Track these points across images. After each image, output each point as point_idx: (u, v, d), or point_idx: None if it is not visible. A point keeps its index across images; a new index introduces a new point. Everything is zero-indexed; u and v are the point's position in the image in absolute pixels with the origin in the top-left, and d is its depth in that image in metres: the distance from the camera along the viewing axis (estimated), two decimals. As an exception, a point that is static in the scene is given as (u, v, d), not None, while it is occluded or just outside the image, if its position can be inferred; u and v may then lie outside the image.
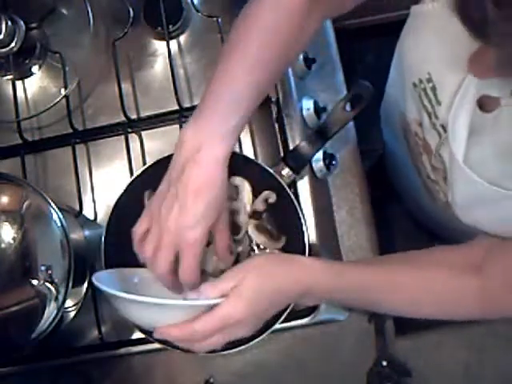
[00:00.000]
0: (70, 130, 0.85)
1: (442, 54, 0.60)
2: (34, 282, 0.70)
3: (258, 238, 0.76)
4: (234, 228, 0.76)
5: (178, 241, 0.60)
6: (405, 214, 1.13)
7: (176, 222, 0.60)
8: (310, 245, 0.73)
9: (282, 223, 0.77)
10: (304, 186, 0.77)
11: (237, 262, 0.77)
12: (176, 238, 0.60)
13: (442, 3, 0.58)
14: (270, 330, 0.70)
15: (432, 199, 0.79)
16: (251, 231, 0.76)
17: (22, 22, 0.88)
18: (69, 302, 0.79)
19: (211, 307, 0.57)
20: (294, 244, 0.74)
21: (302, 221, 0.72)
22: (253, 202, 0.78)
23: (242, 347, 0.70)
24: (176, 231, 0.60)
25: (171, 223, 0.60)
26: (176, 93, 0.82)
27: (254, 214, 0.77)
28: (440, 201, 0.75)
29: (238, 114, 0.61)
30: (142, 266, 0.80)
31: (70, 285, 0.70)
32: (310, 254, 0.72)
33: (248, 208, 0.78)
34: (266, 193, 0.76)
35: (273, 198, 0.75)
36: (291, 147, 0.76)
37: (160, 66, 0.89)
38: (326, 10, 0.65)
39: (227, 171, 0.63)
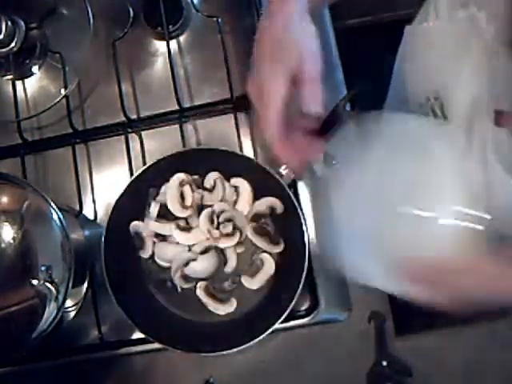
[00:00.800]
0: (70, 130, 0.85)
1: (449, 69, 0.59)
2: (34, 281, 0.70)
3: (257, 240, 0.77)
4: (232, 229, 0.77)
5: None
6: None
7: None
8: (310, 245, 0.73)
9: (282, 223, 0.77)
10: (304, 186, 0.77)
11: (237, 263, 0.78)
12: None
13: (446, 20, 0.58)
14: (270, 330, 0.70)
15: None
16: (250, 234, 0.77)
17: (22, 22, 0.88)
18: (69, 302, 0.79)
19: None
20: (294, 244, 0.74)
21: (302, 221, 0.72)
22: (253, 202, 0.78)
23: (242, 347, 0.70)
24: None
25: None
26: (176, 93, 0.82)
27: (254, 217, 0.77)
28: None
29: None
30: (142, 268, 0.81)
31: (70, 285, 0.70)
32: (309, 254, 0.72)
33: (248, 208, 0.78)
34: (273, 200, 0.76)
35: (280, 209, 0.76)
36: (291, 147, 0.76)
37: (160, 65, 0.89)
38: None
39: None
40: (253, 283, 0.76)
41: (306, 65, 0.57)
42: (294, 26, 0.59)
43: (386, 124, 0.57)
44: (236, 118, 0.82)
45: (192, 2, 0.88)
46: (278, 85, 0.57)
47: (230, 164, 0.77)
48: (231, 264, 0.77)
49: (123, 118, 0.84)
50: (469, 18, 0.60)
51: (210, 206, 0.77)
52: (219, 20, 0.84)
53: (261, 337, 0.70)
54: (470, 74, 0.55)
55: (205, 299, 0.76)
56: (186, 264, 0.76)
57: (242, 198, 0.78)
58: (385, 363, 0.77)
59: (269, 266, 0.76)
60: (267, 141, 0.59)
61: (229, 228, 0.76)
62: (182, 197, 0.76)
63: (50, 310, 0.70)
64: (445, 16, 0.62)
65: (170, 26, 0.86)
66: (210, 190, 0.78)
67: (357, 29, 1.24)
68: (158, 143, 0.85)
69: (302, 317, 0.76)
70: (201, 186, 0.79)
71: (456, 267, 0.52)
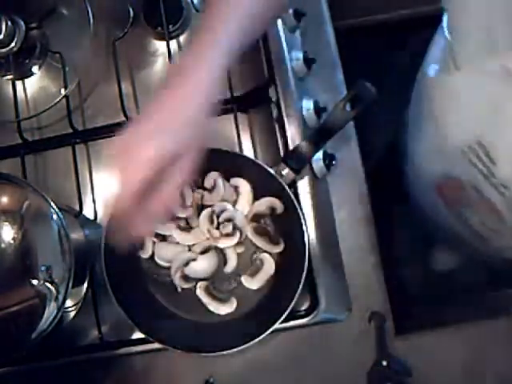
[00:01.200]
0: (70, 130, 0.85)
1: (487, 119, 0.57)
2: (34, 281, 0.70)
3: (257, 240, 0.77)
4: (232, 229, 0.77)
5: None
6: (406, 214, 1.13)
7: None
8: (310, 245, 0.73)
9: (282, 223, 0.77)
10: (304, 186, 0.77)
11: (237, 263, 0.78)
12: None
13: (474, 71, 0.55)
14: (270, 330, 0.70)
15: (479, 240, 0.78)
16: (250, 234, 0.77)
17: (22, 22, 0.88)
18: (69, 302, 0.79)
19: None
20: (294, 244, 0.74)
21: (302, 221, 0.72)
22: (253, 202, 0.78)
23: (242, 347, 0.70)
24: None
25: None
26: (176, 93, 0.82)
27: (254, 217, 0.77)
28: (492, 242, 0.74)
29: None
30: (142, 268, 0.81)
31: (70, 285, 0.70)
32: (309, 254, 0.72)
33: (248, 208, 0.78)
34: (273, 200, 0.76)
35: (280, 209, 0.76)
36: (291, 147, 0.76)
37: (160, 66, 0.89)
38: None
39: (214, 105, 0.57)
40: (253, 283, 0.76)
41: (187, 160, 0.56)
42: (195, 103, 0.56)
43: None
44: (236, 118, 0.82)
45: (192, 2, 0.88)
46: (156, 154, 0.53)
47: (229, 164, 0.77)
48: (231, 264, 0.77)
49: (123, 118, 0.84)
50: (502, 70, 0.53)
51: (210, 205, 0.77)
52: (219, 20, 0.84)
53: (261, 337, 0.70)
54: None
55: (205, 299, 0.76)
56: (186, 264, 0.76)
57: (242, 197, 0.78)
58: (385, 363, 0.77)
59: (269, 266, 0.76)
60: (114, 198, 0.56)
61: (229, 228, 0.76)
62: (182, 197, 0.76)
63: (50, 310, 0.70)
64: (469, 67, 0.57)
65: (170, 26, 0.86)
66: (210, 190, 0.78)
67: (357, 29, 1.24)
68: (158, 143, 0.85)
69: (302, 317, 0.76)
70: (201, 186, 0.79)
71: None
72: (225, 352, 0.71)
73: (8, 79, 0.90)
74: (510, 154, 0.58)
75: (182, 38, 0.89)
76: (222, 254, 0.78)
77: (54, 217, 0.72)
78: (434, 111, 0.66)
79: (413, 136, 0.84)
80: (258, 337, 0.70)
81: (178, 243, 0.77)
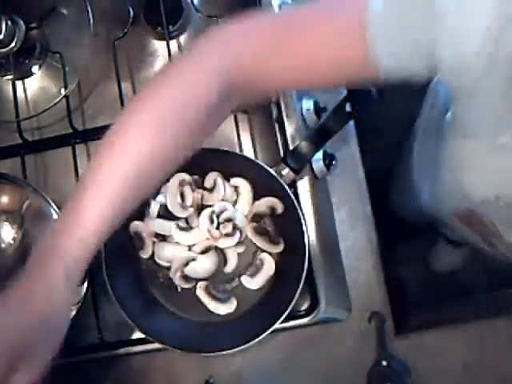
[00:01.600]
0: (70, 130, 0.85)
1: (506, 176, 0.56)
2: (34, 282, 0.69)
3: (257, 240, 0.77)
4: (232, 229, 0.77)
5: None
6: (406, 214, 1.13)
7: None
8: (309, 245, 0.73)
9: (282, 223, 0.77)
10: (304, 186, 0.77)
11: (237, 263, 0.78)
12: None
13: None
14: (270, 330, 0.70)
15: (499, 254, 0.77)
16: (250, 234, 0.77)
17: (22, 22, 0.88)
18: (69, 302, 0.79)
19: None
20: (294, 244, 0.74)
21: (302, 221, 0.72)
22: (253, 202, 0.78)
23: (242, 347, 0.70)
24: None
25: None
26: (176, 93, 0.82)
27: (254, 217, 0.77)
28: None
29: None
30: (142, 268, 0.81)
31: (70, 285, 0.70)
32: (309, 254, 0.72)
33: (248, 208, 0.78)
34: (273, 200, 0.76)
35: (280, 209, 0.76)
36: (291, 147, 0.76)
37: (160, 66, 0.89)
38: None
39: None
40: (253, 283, 0.76)
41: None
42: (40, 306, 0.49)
43: None
44: (236, 118, 0.82)
45: (192, 2, 0.88)
46: None
47: (229, 164, 0.77)
48: (231, 264, 0.77)
49: (123, 118, 0.84)
50: None
51: (210, 205, 0.77)
52: (219, 20, 0.84)
53: (261, 337, 0.70)
54: None
55: (205, 299, 0.76)
56: (186, 264, 0.76)
57: (242, 198, 0.78)
58: (385, 363, 0.77)
59: (269, 266, 0.76)
60: None
61: (229, 228, 0.76)
62: (182, 197, 0.76)
63: (50, 310, 0.70)
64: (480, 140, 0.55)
65: (170, 26, 0.86)
66: (210, 190, 0.78)
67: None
68: (158, 143, 0.85)
69: (302, 317, 0.76)
70: (201, 186, 0.79)
71: None
72: (225, 352, 0.71)
73: (8, 79, 0.90)
74: None
75: (182, 38, 0.89)
76: (222, 253, 0.78)
77: (54, 217, 0.72)
78: (449, 162, 0.65)
79: (421, 174, 0.82)
80: (258, 337, 0.70)
81: (177, 243, 0.77)
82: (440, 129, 0.67)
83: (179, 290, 0.78)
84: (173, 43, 0.88)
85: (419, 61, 0.47)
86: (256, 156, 0.82)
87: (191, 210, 0.76)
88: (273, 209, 0.76)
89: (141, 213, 0.78)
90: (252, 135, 0.83)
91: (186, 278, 0.77)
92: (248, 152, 0.82)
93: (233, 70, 0.54)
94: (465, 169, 0.61)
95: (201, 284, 0.77)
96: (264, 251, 0.77)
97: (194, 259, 0.76)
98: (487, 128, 0.51)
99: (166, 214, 0.77)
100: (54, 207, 0.72)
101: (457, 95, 0.52)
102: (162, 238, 0.78)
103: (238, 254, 0.78)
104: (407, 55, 0.47)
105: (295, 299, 0.70)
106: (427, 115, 0.83)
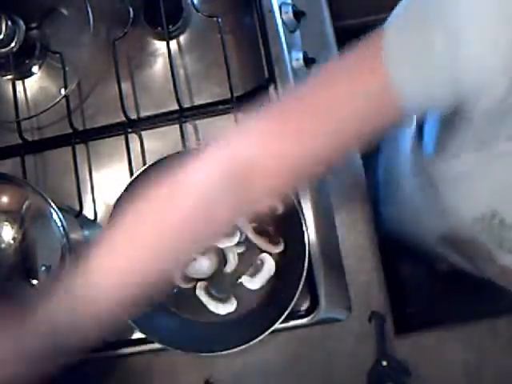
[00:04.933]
0: (70, 130, 0.85)
1: (503, 192, 0.55)
2: (34, 281, 0.70)
3: (257, 240, 0.77)
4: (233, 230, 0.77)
5: None
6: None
7: None
8: (310, 245, 0.73)
9: (282, 223, 0.77)
10: (304, 186, 0.77)
11: (237, 263, 0.78)
12: None
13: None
14: (270, 330, 0.70)
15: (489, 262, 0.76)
16: (250, 234, 0.76)
17: (21, 22, 0.88)
18: (69, 302, 0.78)
19: None
20: (294, 244, 0.74)
21: (302, 221, 0.72)
22: (253, 202, 0.78)
23: (242, 347, 0.70)
24: None
25: None
26: (176, 93, 0.82)
27: (254, 217, 0.77)
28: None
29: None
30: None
31: (70, 285, 0.70)
32: (309, 254, 0.72)
33: (248, 208, 0.78)
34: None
35: (280, 209, 0.75)
36: (291, 147, 0.76)
37: (160, 65, 0.89)
38: None
39: None
40: (253, 283, 0.76)
41: None
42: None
43: None
44: (236, 118, 0.82)
45: (192, 2, 0.88)
46: None
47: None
48: (231, 264, 0.77)
49: (123, 118, 0.84)
50: None
51: (210, 205, 0.77)
52: (219, 20, 0.84)
53: (261, 337, 0.70)
54: None
55: (205, 299, 0.76)
56: (186, 264, 0.76)
57: (242, 197, 0.78)
58: (385, 363, 0.77)
59: (269, 266, 0.76)
60: None
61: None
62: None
63: (50, 310, 0.70)
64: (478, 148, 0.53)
65: (170, 26, 0.86)
66: (210, 190, 0.78)
67: (357, 29, 1.24)
68: (158, 143, 0.85)
69: (302, 317, 0.76)
70: (201, 186, 0.78)
71: None
72: (225, 352, 0.71)
73: (8, 79, 0.90)
74: None
75: (181, 38, 0.89)
76: (222, 253, 0.78)
77: (54, 217, 0.72)
78: (435, 185, 0.63)
79: (404, 194, 0.80)
80: (258, 337, 0.70)
81: (177, 243, 0.77)
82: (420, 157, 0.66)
83: (179, 290, 0.78)
84: (173, 43, 0.88)
85: (443, 86, 0.45)
86: (256, 156, 0.82)
87: (191, 209, 0.76)
88: (273, 209, 0.76)
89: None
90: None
91: (186, 278, 0.77)
92: (248, 152, 0.82)
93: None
94: (456, 189, 0.60)
95: (201, 284, 0.77)
96: (264, 251, 0.77)
97: (194, 259, 0.76)
98: (487, 139, 0.50)
99: (165, 213, 0.77)
100: (54, 207, 0.72)
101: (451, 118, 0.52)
102: (162, 237, 0.78)
103: (238, 254, 0.78)
104: (430, 82, 0.45)
105: (295, 299, 0.70)
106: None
